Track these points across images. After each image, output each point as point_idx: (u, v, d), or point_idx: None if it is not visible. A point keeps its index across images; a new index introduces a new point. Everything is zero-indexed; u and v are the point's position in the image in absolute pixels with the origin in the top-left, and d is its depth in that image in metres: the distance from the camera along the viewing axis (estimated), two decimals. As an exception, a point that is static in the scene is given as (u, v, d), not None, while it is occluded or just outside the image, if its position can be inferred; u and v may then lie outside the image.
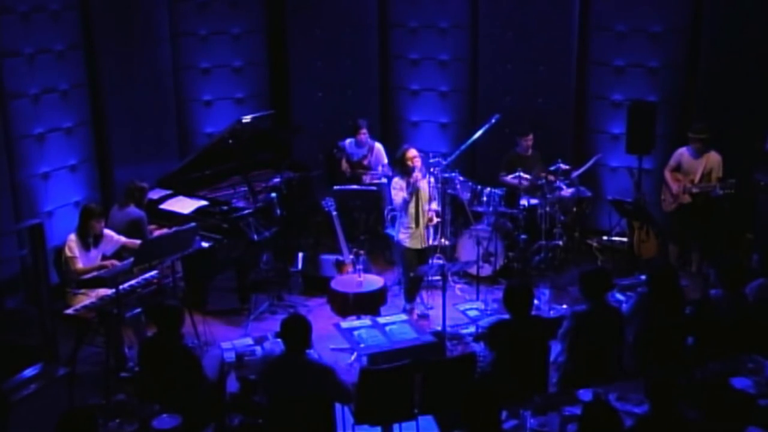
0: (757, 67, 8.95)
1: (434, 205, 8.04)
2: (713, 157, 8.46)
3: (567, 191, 9.14)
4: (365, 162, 9.51)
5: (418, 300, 8.33)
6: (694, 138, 8.49)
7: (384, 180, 9.13)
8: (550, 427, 5.09)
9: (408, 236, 7.95)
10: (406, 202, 7.83)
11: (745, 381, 5.44)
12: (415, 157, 7.84)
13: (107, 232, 7.42)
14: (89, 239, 7.26)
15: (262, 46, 10.52)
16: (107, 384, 6.73)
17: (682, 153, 8.68)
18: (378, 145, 9.56)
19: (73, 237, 7.23)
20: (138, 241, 7.42)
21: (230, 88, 10.33)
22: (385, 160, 9.39)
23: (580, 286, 5.98)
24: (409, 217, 7.89)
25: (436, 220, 7.98)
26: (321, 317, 7.92)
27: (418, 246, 7.95)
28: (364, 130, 9.45)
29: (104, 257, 7.38)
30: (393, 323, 6.61)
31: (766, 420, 4.92)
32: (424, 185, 7.92)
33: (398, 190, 7.86)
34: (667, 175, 8.76)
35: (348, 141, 9.59)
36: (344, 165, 9.59)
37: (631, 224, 9.02)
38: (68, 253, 7.17)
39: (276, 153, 9.62)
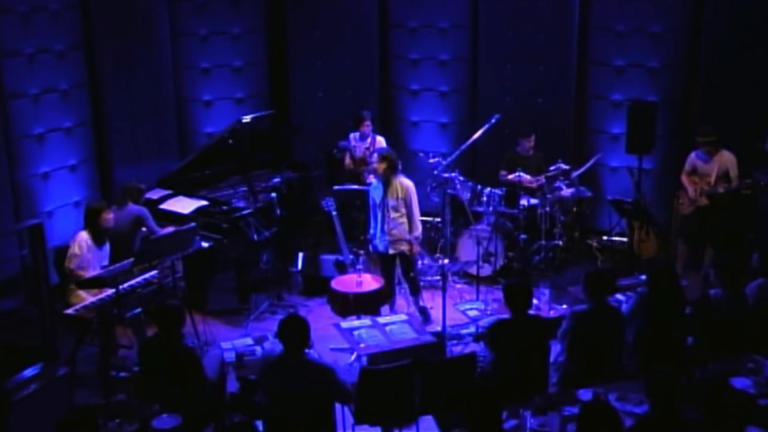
0: (757, 67, 8.95)
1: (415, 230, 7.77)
2: (726, 157, 8.33)
3: (567, 191, 9.14)
4: (368, 158, 9.47)
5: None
6: (702, 142, 8.38)
7: None
8: (550, 427, 5.09)
9: (375, 239, 7.90)
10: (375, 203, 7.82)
11: (745, 381, 5.44)
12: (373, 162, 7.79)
13: None
14: (102, 234, 7.26)
15: (262, 46, 10.52)
16: (107, 384, 6.73)
17: (694, 157, 8.53)
18: (379, 138, 9.49)
19: (84, 235, 7.18)
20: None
21: (230, 88, 10.32)
22: None
23: (584, 285, 5.99)
24: (377, 220, 7.83)
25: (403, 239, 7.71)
26: (321, 317, 7.93)
27: (381, 250, 7.84)
28: (368, 122, 9.39)
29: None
30: (393, 323, 6.60)
31: (766, 420, 4.93)
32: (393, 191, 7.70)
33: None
34: (684, 179, 8.60)
35: (352, 135, 9.55)
36: (347, 161, 9.56)
37: (631, 224, 9.03)
38: (76, 251, 7.11)
39: (276, 153, 9.61)
